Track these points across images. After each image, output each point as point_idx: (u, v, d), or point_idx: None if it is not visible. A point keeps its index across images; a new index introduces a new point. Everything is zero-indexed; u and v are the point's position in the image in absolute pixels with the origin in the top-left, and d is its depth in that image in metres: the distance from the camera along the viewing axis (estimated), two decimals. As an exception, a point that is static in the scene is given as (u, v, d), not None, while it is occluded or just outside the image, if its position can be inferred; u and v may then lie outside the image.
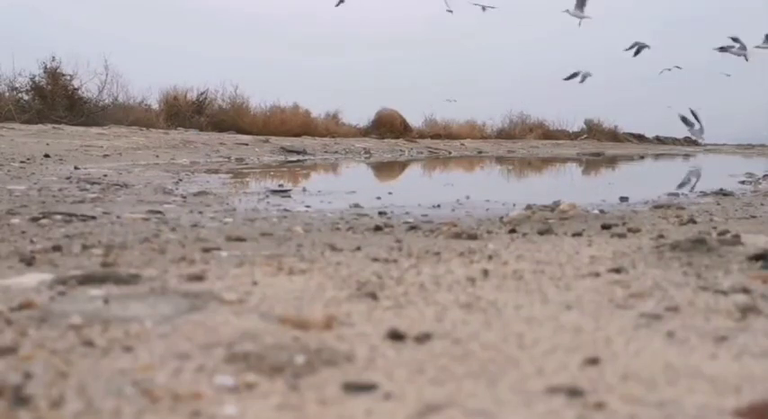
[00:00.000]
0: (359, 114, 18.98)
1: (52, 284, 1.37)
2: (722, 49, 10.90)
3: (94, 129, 11.16)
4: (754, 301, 1.30)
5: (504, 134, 20.60)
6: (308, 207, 3.47)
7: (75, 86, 13.73)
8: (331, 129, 16.86)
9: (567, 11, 10.29)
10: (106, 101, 14.44)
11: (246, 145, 11.13)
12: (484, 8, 11.04)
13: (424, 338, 1.05)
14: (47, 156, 6.74)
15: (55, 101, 13.11)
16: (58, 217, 2.60)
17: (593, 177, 9.20)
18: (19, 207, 2.95)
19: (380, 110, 18.51)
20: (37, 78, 13.41)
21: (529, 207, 3.32)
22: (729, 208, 3.90)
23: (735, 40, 10.89)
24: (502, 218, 2.95)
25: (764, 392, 0.85)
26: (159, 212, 2.92)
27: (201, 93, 16.10)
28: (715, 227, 2.61)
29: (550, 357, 0.97)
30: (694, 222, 2.86)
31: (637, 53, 11.50)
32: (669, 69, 13.13)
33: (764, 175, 7.34)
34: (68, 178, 4.78)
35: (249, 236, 2.21)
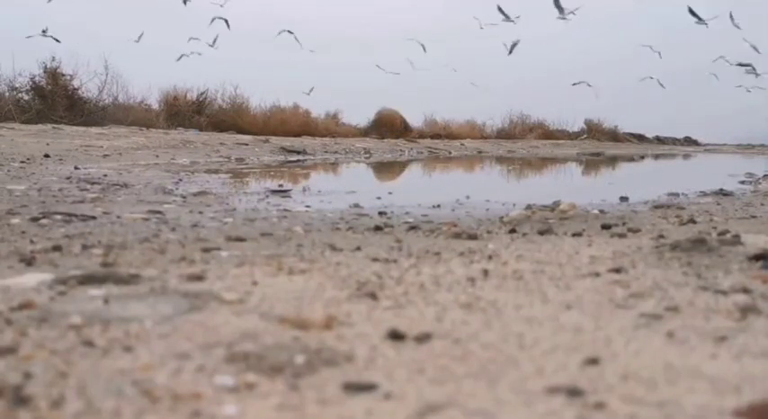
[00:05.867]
0: (359, 114, 18.96)
1: (52, 284, 1.37)
2: None
3: (94, 129, 11.16)
4: (754, 301, 1.30)
5: (504, 134, 20.59)
6: (307, 207, 3.46)
7: (75, 86, 13.74)
8: (331, 129, 16.85)
9: None
10: (106, 101, 14.45)
11: (246, 145, 11.12)
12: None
13: (424, 338, 1.05)
14: (47, 155, 6.74)
15: (55, 101, 13.10)
16: (58, 217, 2.60)
17: (593, 177, 9.20)
18: (19, 207, 2.95)
19: (380, 110, 18.51)
20: (37, 78, 13.41)
21: (529, 207, 3.32)
22: (729, 208, 3.90)
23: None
24: (502, 217, 2.95)
25: (764, 392, 0.84)
26: (159, 212, 2.92)
27: (201, 93, 16.09)
28: (715, 227, 2.61)
29: (550, 357, 0.97)
30: (694, 222, 2.86)
31: (510, 51, 10.65)
32: (583, 84, 12.79)
33: (764, 175, 7.35)
34: (68, 178, 4.78)
35: (249, 236, 2.21)
